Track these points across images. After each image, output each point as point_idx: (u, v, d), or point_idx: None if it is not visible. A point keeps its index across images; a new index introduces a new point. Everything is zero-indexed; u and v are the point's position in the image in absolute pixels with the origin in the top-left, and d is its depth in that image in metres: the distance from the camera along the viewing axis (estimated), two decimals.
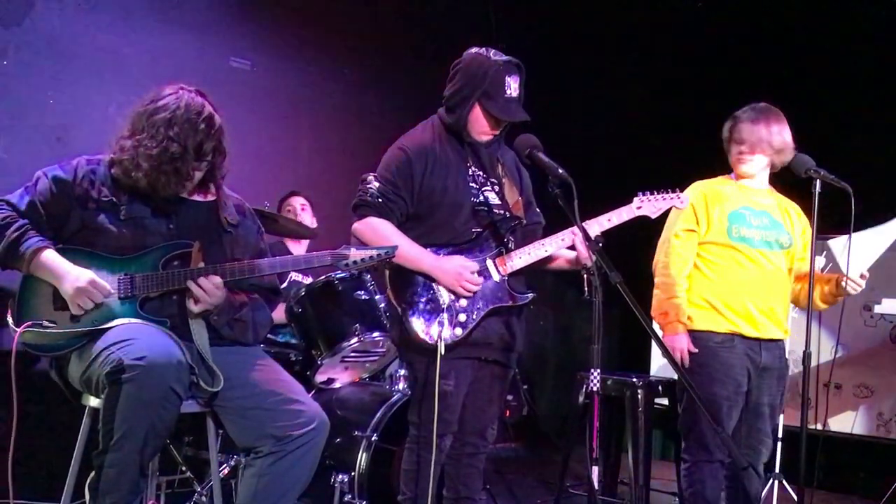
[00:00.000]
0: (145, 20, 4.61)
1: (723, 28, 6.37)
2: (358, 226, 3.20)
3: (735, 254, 3.62)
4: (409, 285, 3.18)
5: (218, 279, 2.76)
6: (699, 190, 3.72)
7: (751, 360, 3.61)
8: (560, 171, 2.92)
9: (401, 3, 6.01)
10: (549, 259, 3.30)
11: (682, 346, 3.59)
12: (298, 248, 4.84)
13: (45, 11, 4.18)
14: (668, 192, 3.31)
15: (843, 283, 3.61)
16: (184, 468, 3.82)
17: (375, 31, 5.83)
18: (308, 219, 4.92)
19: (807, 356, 3.50)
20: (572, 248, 3.22)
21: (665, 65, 6.67)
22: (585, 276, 2.87)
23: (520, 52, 3.28)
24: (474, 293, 3.15)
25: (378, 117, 5.81)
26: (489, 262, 3.22)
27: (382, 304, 4.03)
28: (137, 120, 2.78)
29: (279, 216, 4.42)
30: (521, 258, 3.23)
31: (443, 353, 3.08)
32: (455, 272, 3.12)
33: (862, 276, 3.63)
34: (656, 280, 3.74)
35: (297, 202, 4.96)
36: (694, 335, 3.60)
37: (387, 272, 3.22)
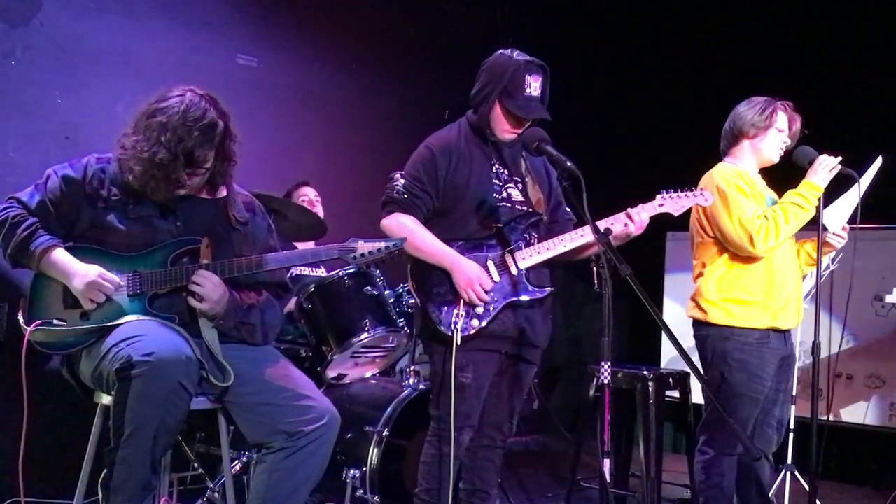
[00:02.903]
0: (152, 18, 4.61)
1: (740, 19, 6.36)
2: (386, 221, 3.26)
3: None
4: (428, 277, 3.23)
5: (216, 277, 2.76)
6: (742, 174, 3.62)
7: (779, 353, 3.60)
8: (569, 164, 2.94)
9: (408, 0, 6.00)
10: (578, 250, 3.29)
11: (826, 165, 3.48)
12: (308, 242, 4.76)
13: (52, 11, 4.18)
14: (691, 190, 3.31)
15: (827, 239, 3.63)
16: (196, 465, 3.83)
17: (383, 27, 5.82)
18: (320, 210, 4.77)
19: (816, 347, 3.49)
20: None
21: (681, 58, 6.66)
22: (595, 268, 2.87)
23: (529, 50, 3.28)
24: (480, 304, 3.16)
25: (386, 113, 5.81)
26: (507, 257, 3.25)
27: (392, 300, 4.04)
28: (139, 120, 2.76)
29: (290, 212, 4.39)
30: (540, 253, 3.25)
31: (458, 343, 3.11)
32: (469, 278, 3.14)
33: (843, 229, 3.65)
34: (769, 242, 3.46)
35: (312, 193, 4.80)
36: (733, 332, 3.54)
37: (408, 265, 3.28)
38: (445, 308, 3.19)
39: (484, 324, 3.18)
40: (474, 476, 3.41)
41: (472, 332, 3.16)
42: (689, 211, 3.64)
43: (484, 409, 3.33)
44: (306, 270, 4.31)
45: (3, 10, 4.03)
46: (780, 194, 3.62)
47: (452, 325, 3.15)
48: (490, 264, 3.23)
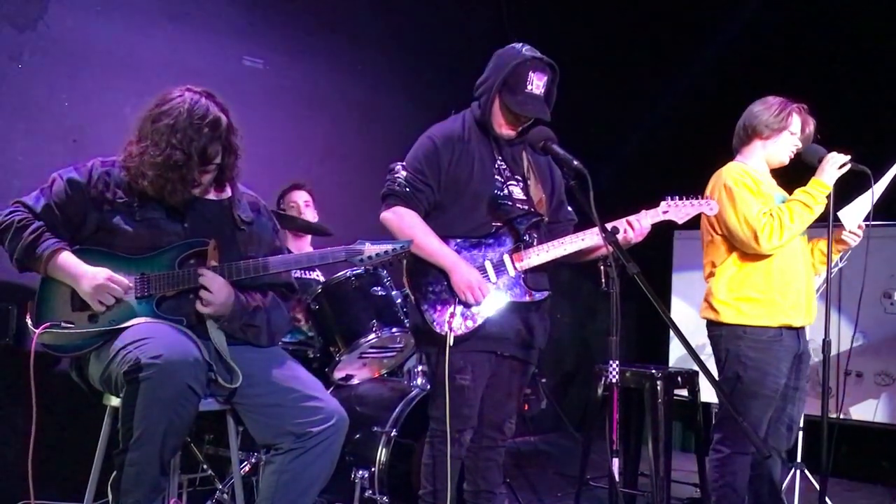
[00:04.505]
0: (158, 20, 4.61)
1: (753, 16, 6.35)
2: (386, 214, 3.24)
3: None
4: (424, 275, 3.20)
5: (221, 279, 2.76)
6: (750, 172, 3.62)
7: (793, 350, 3.60)
8: (575, 162, 2.92)
9: (413, 0, 6.00)
10: (581, 252, 3.27)
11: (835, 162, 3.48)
12: (300, 244, 4.68)
13: (59, 14, 4.18)
14: (697, 199, 3.28)
15: (842, 236, 3.65)
16: (205, 466, 3.83)
17: (388, 28, 5.83)
18: (311, 215, 4.64)
19: (826, 344, 3.48)
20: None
21: (692, 58, 6.65)
22: (603, 267, 2.85)
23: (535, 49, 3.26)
24: (477, 303, 3.14)
25: (391, 114, 5.81)
26: (506, 257, 3.22)
27: (399, 300, 4.04)
28: (143, 126, 2.77)
29: (289, 216, 4.37)
30: (539, 255, 3.22)
31: (451, 343, 3.10)
32: (469, 282, 3.12)
33: (859, 227, 3.65)
34: (777, 238, 3.46)
35: (301, 198, 4.66)
36: (745, 330, 3.54)
37: (404, 261, 3.23)
38: (440, 307, 3.17)
39: (477, 324, 3.16)
40: (478, 477, 3.40)
41: (466, 332, 3.15)
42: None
43: (483, 410, 3.32)
44: (297, 273, 4.23)
45: (10, 14, 4.03)
46: (791, 192, 3.62)
47: (447, 325, 3.13)
48: (487, 265, 3.21)
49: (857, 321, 3.99)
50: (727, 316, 3.57)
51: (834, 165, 3.48)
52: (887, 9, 5.66)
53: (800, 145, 3.65)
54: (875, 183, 3.51)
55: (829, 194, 3.48)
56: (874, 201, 3.54)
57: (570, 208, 3.49)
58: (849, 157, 3.49)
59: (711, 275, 3.69)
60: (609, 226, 3.05)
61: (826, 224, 3.54)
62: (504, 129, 3.27)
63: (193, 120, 2.72)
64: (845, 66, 5.94)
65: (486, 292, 3.13)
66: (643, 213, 3.21)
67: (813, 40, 6.07)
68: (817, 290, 3.84)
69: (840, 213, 3.58)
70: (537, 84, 3.17)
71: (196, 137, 2.72)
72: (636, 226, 3.16)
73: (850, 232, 3.65)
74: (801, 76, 5.74)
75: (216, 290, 2.74)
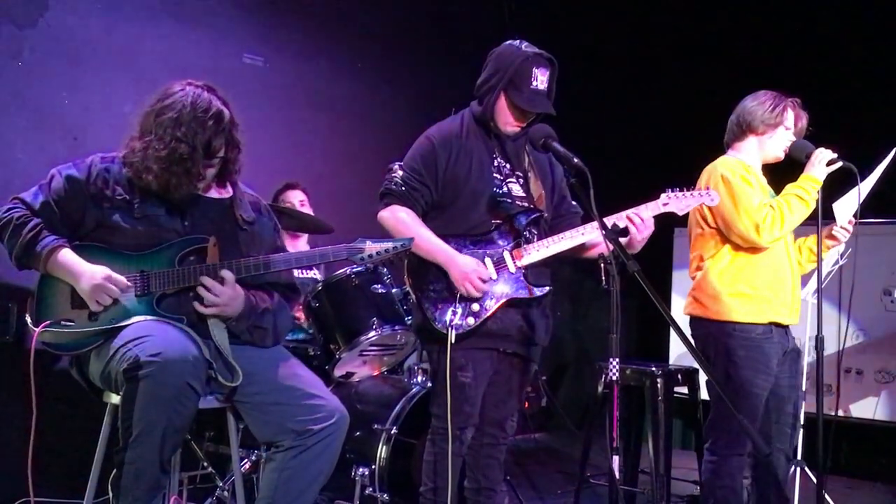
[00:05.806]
0: (159, 18, 4.62)
1: (748, 12, 6.35)
2: (383, 213, 3.24)
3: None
4: (425, 273, 3.20)
5: (230, 274, 2.76)
6: (746, 166, 3.61)
7: (781, 347, 3.59)
8: (575, 160, 2.92)
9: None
10: (583, 247, 3.26)
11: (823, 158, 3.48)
12: (296, 243, 4.70)
13: (59, 12, 4.19)
14: (697, 190, 3.28)
15: (833, 232, 3.65)
16: (205, 464, 3.84)
17: (388, 26, 5.83)
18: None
19: (819, 341, 3.48)
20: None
21: (688, 53, 6.65)
22: (603, 265, 2.85)
23: (536, 46, 3.26)
24: (480, 295, 3.13)
25: (392, 112, 5.81)
26: (506, 254, 3.22)
27: (400, 298, 4.04)
28: (145, 121, 2.77)
29: (295, 211, 4.38)
30: (539, 251, 3.22)
31: (453, 341, 3.09)
32: (464, 272, 3.11)
33: (850, 223, 3.65)
34: (774, 231, 3.45)
35: (297, 198, 4.70)
36: (735, 328, 3.51)
37: (405, 260, 3.23)
38: (441, 305, 3.16)
39: (479, 322, 3.16)
40: (479, 474, 3.40)
41: (467, 329, 3.14)
42: None
43: (485, 408, 3.32)
44: (296, 272, 4.22)
45: (10, 12, 4.04)
46: (777, 189, 3.62)
47: (448, 323, 3.13)
48: (487, 261, 3.20)
49: (848, 318, 3.99)
50: (717, 312, 3.55)
51: (822, 162, 3.48)
52: (876, 5, 5.67)
53: (794, 139, 3.65)
54: (862, 181, 3.51)
55: (818, 191, 3.49)
56: (861, 199, 3.54)
57: (573, 202, 3.49)
58: (836, 155, 3.50)
59: (699, 269, 3.67)
60: (610, 223, 3.05)
61: (815, 221, 3.54)
62: (510, 127, 3.28)
63: (197, 113, 2.72)
64: (833, 62, 5.93)
65: (485, 276, 3.12)
66: (643, 207, 3.21)
67: (803, 36, 6.07)
68: (813, 293, 3.84)
69: (834, 206, 3.59)
70: (542, 80, 3.18)
71: (200, 130, 2.72)
72: (637, 220, 3.16)
73: (840, 227, 3.65)
74: (790, 72, 5.73)
75: (218, 291, 2.74)
